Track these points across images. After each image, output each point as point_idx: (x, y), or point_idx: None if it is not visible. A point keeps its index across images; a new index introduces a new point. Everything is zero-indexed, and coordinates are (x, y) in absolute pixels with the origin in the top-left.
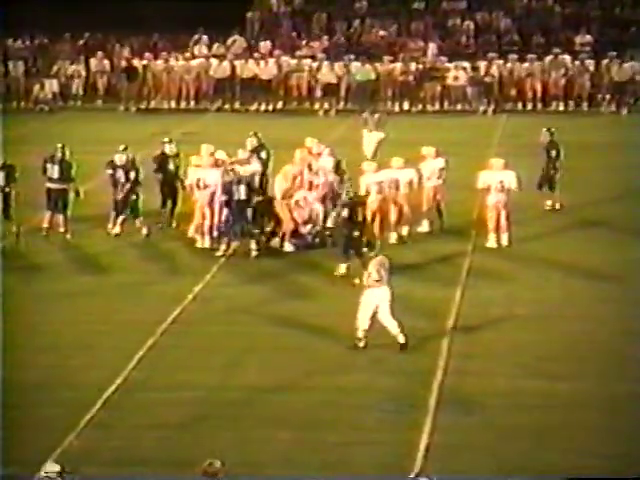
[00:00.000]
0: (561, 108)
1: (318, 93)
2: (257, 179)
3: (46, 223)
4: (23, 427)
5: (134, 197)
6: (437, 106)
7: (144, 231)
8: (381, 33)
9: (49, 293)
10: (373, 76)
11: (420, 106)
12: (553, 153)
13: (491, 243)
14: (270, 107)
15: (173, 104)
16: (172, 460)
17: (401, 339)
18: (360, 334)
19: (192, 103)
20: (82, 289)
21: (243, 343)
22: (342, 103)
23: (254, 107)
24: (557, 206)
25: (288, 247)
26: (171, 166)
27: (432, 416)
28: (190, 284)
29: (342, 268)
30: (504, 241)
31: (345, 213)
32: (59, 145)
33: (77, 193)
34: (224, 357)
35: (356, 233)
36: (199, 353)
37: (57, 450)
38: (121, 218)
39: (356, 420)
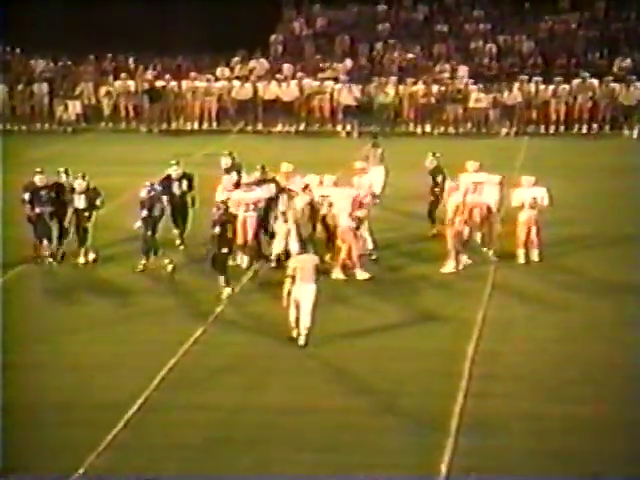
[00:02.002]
0: (584, 131)
1: (339, 115)
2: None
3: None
4: (45, 447)
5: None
6: (459, 129)
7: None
8: (404, 56)
9: (72, 314)
10: (395, 99)
11: (442, 128)
12: (439, 178)
13: (520, 259)
14: (292, 129)
15: (196, 126)
16: None
17: (301, 341)
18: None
19: (214, 124)
20: (104, 311)
21: (264, 364)
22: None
23: (276, 129)
24: (434, 231)
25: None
26: (175, 189)
27: (453, 439)
28: (211, 305)
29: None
30: (535, 257)
31: (217, 230)
32: (61, 169)
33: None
34: (245, 378)
35: (225, 250)
36: (220, 374)
37: (79, 470)
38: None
39: (378, 442)
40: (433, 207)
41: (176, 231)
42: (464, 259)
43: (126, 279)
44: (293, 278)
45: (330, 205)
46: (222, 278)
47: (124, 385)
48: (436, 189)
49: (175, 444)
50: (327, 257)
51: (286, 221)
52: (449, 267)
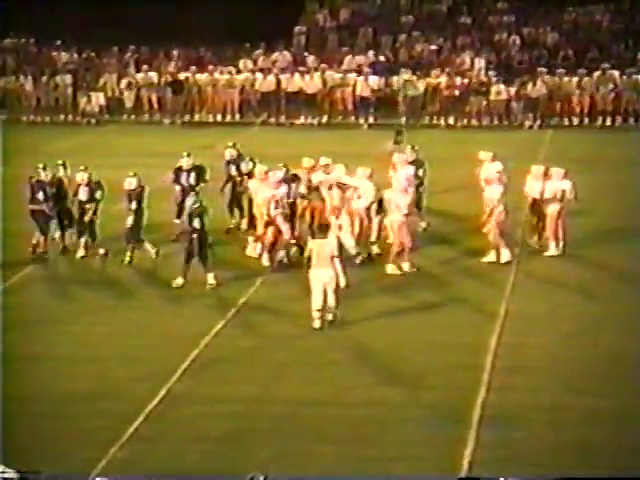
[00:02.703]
0: (608, 123)
1: (358, 106)
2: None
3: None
4: (67, 439)
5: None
6: (482, 121)
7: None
8: (427, 47)
9: (93, 305)
10: (422, 91)
11: (465, 121)
12: (420, 172)
13: (551, 251)
14: (315, 121)
15: (219, 117)
16: (215, 473)
17: (329, 317)
18: (315, 314)
19: (237, 116)
20: (125, 302)
21: (285, 356)
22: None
23: (299, 121)
24: (423, 225)
25: None
26: (184, 180)
27: (475, 432)
28: (233, 297)
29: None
30: (559, 250)
31: (196, 223)
32: (59, 162)
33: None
34: (267, 370)
35: (194, 236)
36: (242, 366)
37: (101, 462)
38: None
39: (399, 435)
40: (417, 198)
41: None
42: (505, 253)
43: (148, 271)
44: (309, 261)
45: (359, 197)
46: (205, 267)
47: (145, 377)
48: (416, 181)
49: (196, 436)
50: (375, 249)
51: (338, 216)
52: (490, 257)
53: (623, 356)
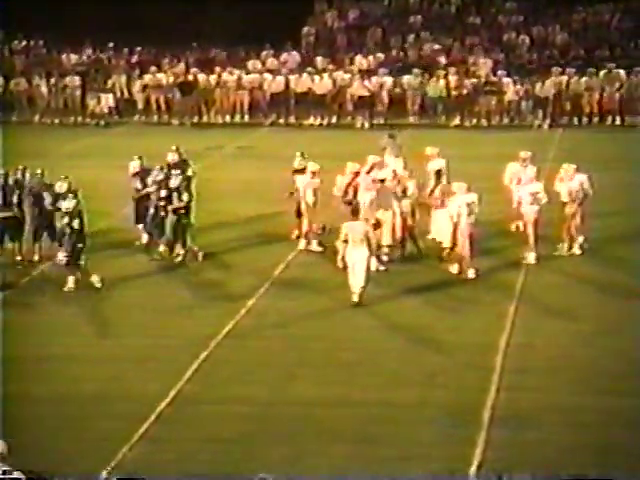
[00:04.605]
0: (617, 122)
1: (349, 107)
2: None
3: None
4: (77, 439)
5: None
6: (492, 120)
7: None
8: (436, 47)
9: (103, 307)
10: (445, 92)
11: (474, 120)
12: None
13: (564, 250)
14: (325, 121)
15: (228, 119)
16: (225, 474)
17: (355, 298)
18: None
19: (246, 117)
20: (136, 303)
21: (297, 357)
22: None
23: (308, 121)
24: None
25: None
26: (179, 174)
27: (486, 432)
28: (243, 298)
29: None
30: (574, 250)
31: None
32: (20, 167)
33: None
34: (278, 371)
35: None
36: (252, 367)
37: (112, 463)
38: None
39: (410, 435)
40: None
41: None
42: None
43: (159, 271)
44: (345, 242)
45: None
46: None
47: (156, 378)
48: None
49: (207, 437)
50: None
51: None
52: (531, 258)
53: (636, 355)
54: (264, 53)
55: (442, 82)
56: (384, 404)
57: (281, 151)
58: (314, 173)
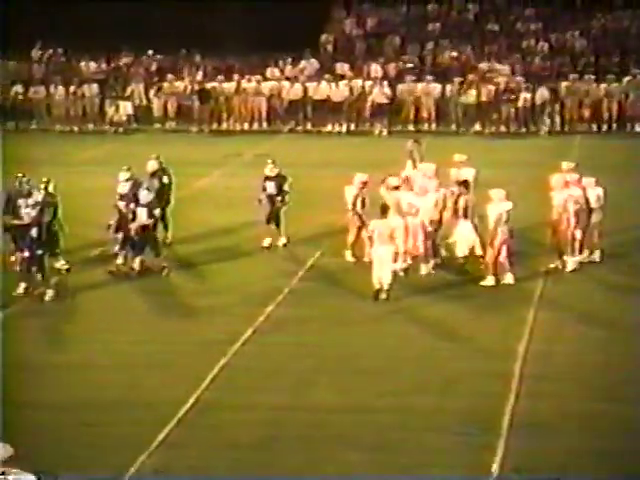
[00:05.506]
0: (637, 129)
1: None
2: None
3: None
4: (97, 446)
5: None
6: (511, 127)
7: None
8: (454, 55)
9: (121, 312)
10: (476, 99)
11: (493, 128)
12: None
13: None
14: (343, 129)
15: (246, 126)
16: None
17: (383, 295)
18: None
19: (265, 125)
20: (153, 309)
21: (314, 364)
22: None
23: (326, 129)
24: (280, 242)
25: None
26: (156, 182)
27: (504, 439)
28: (261, 305)
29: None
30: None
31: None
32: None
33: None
34: (296, 378)
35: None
36: (271, 374)
37: (131, 469)
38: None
39: (428, 442)
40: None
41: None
42: (569, 260)
43: (176, 277)
44: (371, 239)
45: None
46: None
47: (175, 384)
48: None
49: (226, 443)
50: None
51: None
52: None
53: None
54: (282, 60)
55: (473, 90)
56: (402, 411)
57: (299, 158)
58: (364, 183)
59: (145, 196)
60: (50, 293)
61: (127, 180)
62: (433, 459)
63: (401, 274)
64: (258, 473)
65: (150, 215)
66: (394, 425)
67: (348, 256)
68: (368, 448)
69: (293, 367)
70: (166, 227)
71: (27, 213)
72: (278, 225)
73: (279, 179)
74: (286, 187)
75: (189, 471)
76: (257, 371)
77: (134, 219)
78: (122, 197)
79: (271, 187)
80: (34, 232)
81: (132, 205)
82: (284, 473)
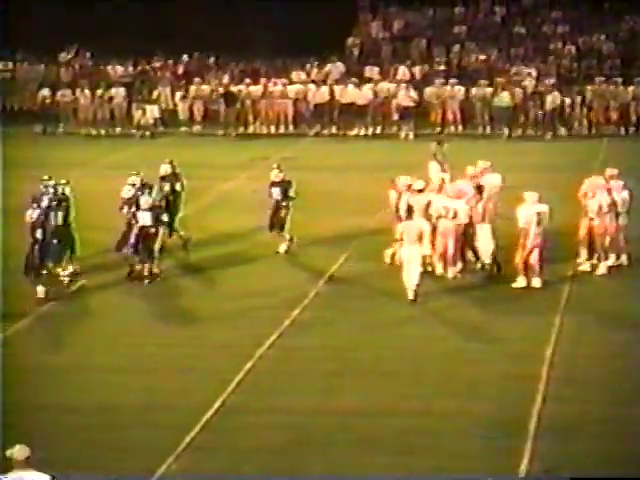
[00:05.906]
0: None
1: (395, 117)
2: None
3: None
4: (123, 450)
5: None
6: (538, 131)
7: None
8: (481, 57)
9: (145, 317)
10: (511, 102)
11: (520, 130)
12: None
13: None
14: (369, 132)
15: (272, 129)
16: None
17: (410, 295)
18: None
19: (291, 128)
20: (177, 312)
21: (340, 367)
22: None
23: (352, 132)
24: (282, 249)
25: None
26: (167, 187)
27: (531, 443)
28: (287, 308)
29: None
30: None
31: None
32: (63, 181)
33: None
34: (321, 381)
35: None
36: (296, 377)
37: (157, 473)
38: None
39: (453, 446)
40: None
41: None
42: (601, 264)
43: (200, 281)
44: (401, 241)
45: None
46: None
47: (201, 388)
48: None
49: (252, 447)
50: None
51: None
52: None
53: None
54: (308, 64)
55: (506, 92)
56: (427, 414)
57: (325, 162)
58: (421, 191)
59: (146, 201)
60: (41, 293)
61: (133, 185)
62: (459, 463)
63: (458, 276)
64: (283, 476)
65: (152, 219)
66: (420, 429)
67: (386, 256)
68: (393, 452)
69: (318, 370)
70: (171, 234)
71: (29, 214)
72: (282, 230)
73: (284, 184)
74: (291, 193)
75: (215, 474)
76: (282, 374)
77: (136, 223)
78: (125, 202)
79: (277, 193)
80: (39, 234)
81: (133, 209)
82: (309, 476)
